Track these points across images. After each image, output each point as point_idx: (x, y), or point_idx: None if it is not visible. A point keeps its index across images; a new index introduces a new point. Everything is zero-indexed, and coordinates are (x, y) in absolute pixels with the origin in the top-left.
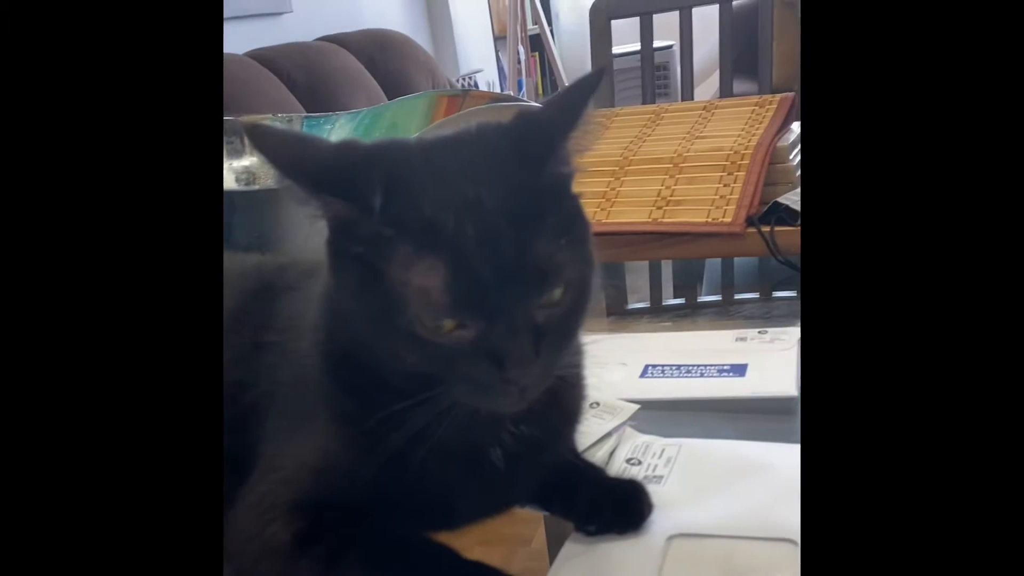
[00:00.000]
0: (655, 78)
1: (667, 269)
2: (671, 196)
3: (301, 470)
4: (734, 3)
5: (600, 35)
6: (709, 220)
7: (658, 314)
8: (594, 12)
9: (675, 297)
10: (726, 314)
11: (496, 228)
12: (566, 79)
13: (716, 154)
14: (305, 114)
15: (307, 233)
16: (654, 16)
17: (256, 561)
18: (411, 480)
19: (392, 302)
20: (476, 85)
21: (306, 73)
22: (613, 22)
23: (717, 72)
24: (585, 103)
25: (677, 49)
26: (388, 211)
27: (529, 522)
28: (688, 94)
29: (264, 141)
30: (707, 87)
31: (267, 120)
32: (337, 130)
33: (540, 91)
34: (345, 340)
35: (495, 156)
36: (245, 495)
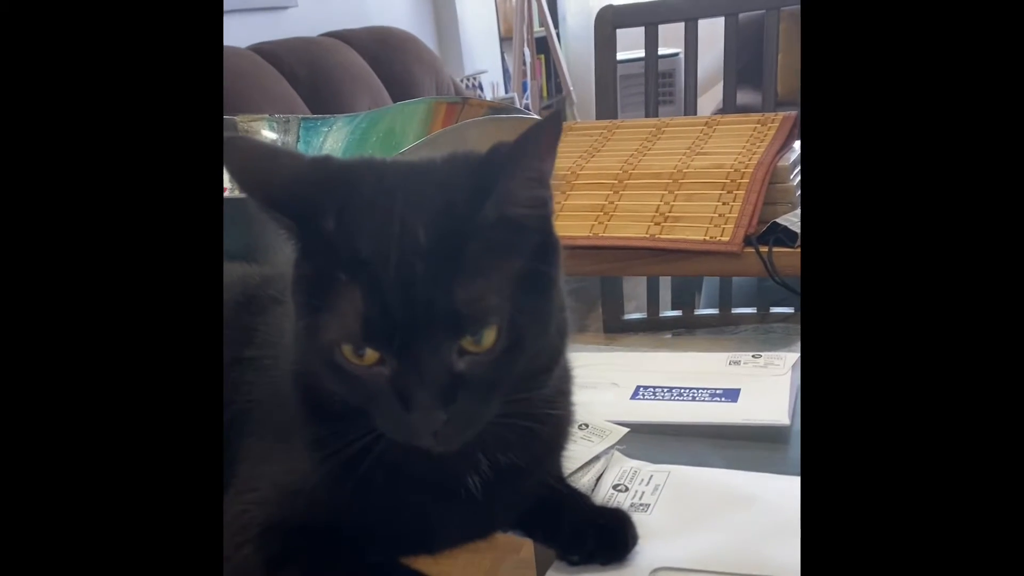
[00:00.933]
0: (659, 85)
1: (665, 281)
2: (669, 212)
3: (274, 491)
4: (740, 16)
5: (605, 44)
6: (707, 238)
7: (655, 327)
8: (599, 21)
9: (673, 309)
10: (722, 331)
11: (413, 266)
12: (571, 83)
13: (716, 171)
14: (302, 116)
15: None
16: (660, 24)
17: None
18: (385, 506)
19: (320, 324)
20: (481, 86)
21: (309, 69)
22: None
23: (722, 82)
24: (535, 147)
25: (683, 57)
26: (336, 236)
27: None
28: (691, 105)
29: (231, 155)
30: (712, 96)
31: (263, 122)
32: (334, 133)
33: (545, 94)
34: (301, 361)
35: (446, 189)
36: None
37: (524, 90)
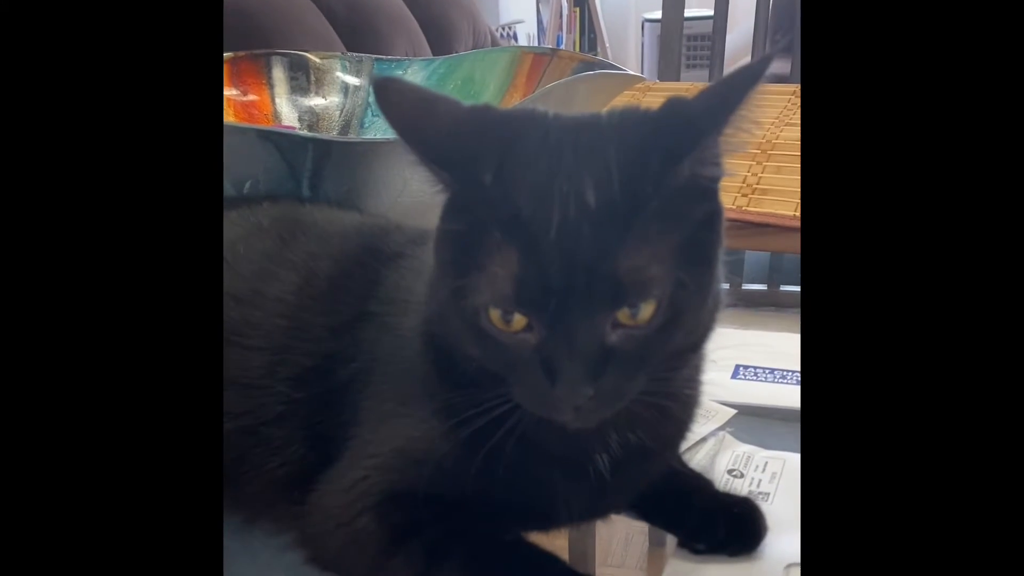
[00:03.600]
0: (691, 48)
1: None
2: (757, 184)
3: (398, 458)
4: None
5: (673, 7)
6: (796, 214)
7: (739, 301)
8: None
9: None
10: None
11: (579, 229)
12: (607, 38)
13: None
14: (375, 56)
15: (399, 191)
16: None
17: (342, 550)
18: (512, 480)
19: (469, 286)
20: (516, 37)
21: (347, 7)
22: None
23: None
24: (744, 97)
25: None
26: (493, 191)
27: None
28: (719, 72)
29: (388, 98)
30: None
31: (336, 60)
32: (409, 76)
33: (577, 49)
34: (436, 321)
35: (621, 147)
36: (334, 478)
37: (558, 44)
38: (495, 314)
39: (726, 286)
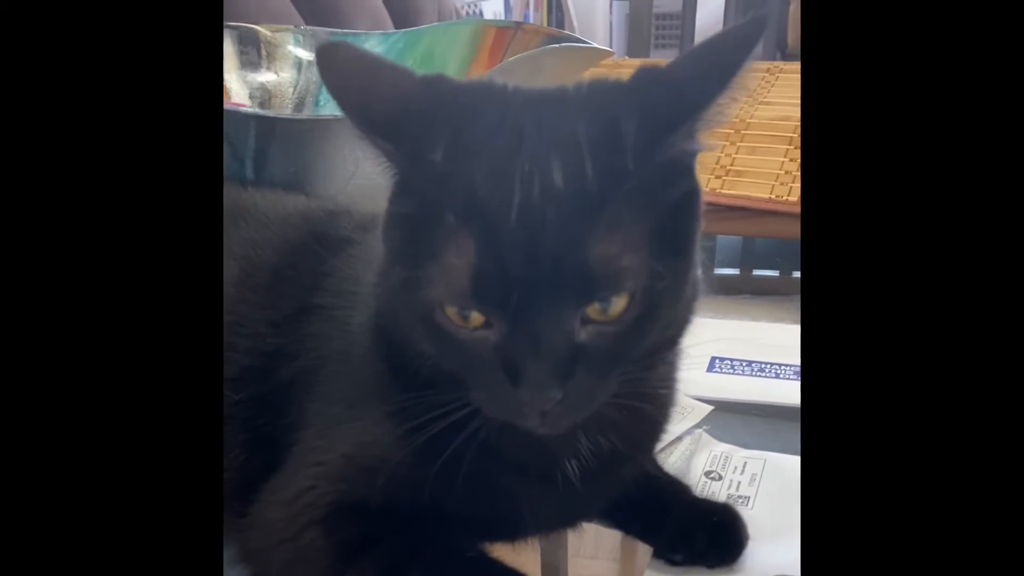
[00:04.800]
0: (659, 28)
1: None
2: (731, 165)
3: (347, 466)
4: None
5: None
6: (772, 196)
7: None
8: None
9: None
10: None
11: (542, 213)
12: (575, 17)
13: (783, 124)
14: (331, 30)
15: (351, 173)
16: None
17: (287, 567)
18: (473, 489)
19: (422, 276)
20: (482, 14)
21: None
22: None
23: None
24: (741, 63)
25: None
26: (445, 169)
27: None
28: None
29: (332, 64)
30: None
31: (288, 33)
32: None
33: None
34: (386, 314)
35: (593, 123)
36: (277, 488)
37: (525, 21)
38: (451, 309)
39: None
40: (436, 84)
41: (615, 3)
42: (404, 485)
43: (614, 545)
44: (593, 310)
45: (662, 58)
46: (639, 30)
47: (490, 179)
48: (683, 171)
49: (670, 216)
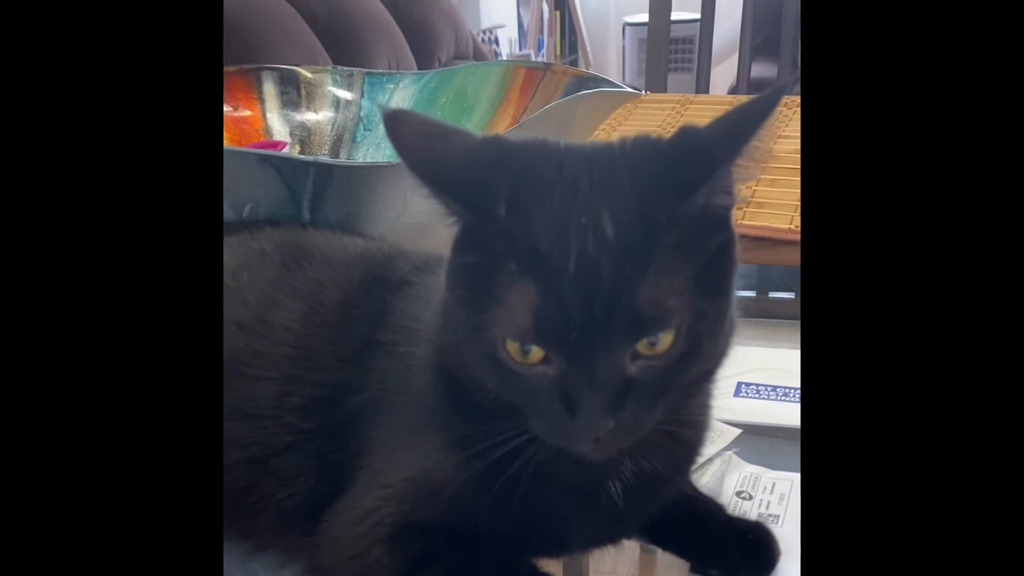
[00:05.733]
0: (674, 52)
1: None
2: (752, 197)
3: (410, 488)
4: None
5: (659, 13)
6: (792, 227)
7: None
8: None
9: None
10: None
11: (598, 261)
12: (588, 41)
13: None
14: (366, 71)
15: (399, 212)
16: None
17: None
18: (526, 509)
19: (486, 319)
20: (497, 41)
21: (329, 12)
22: None
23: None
24: (759, 126)
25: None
26: (508, 223)
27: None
28: (705, 75)
29: (400, 130)
30: (727, 66)
31: (327, 74)
32: (400, 90)
33: (558, 52)
34: (449, 352)
35: (636, 177)
36: (345, 508)
37: (540, 47)
38: (512, 346)
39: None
40: (495, 144)
41: (627, 28)
42: (464, 506)
43: (632, 560)
44: (643, 346)
45: (675, 83)
46: (657, 56)
47: (550, 231)
48: (720, 222)
49: (710, 261)
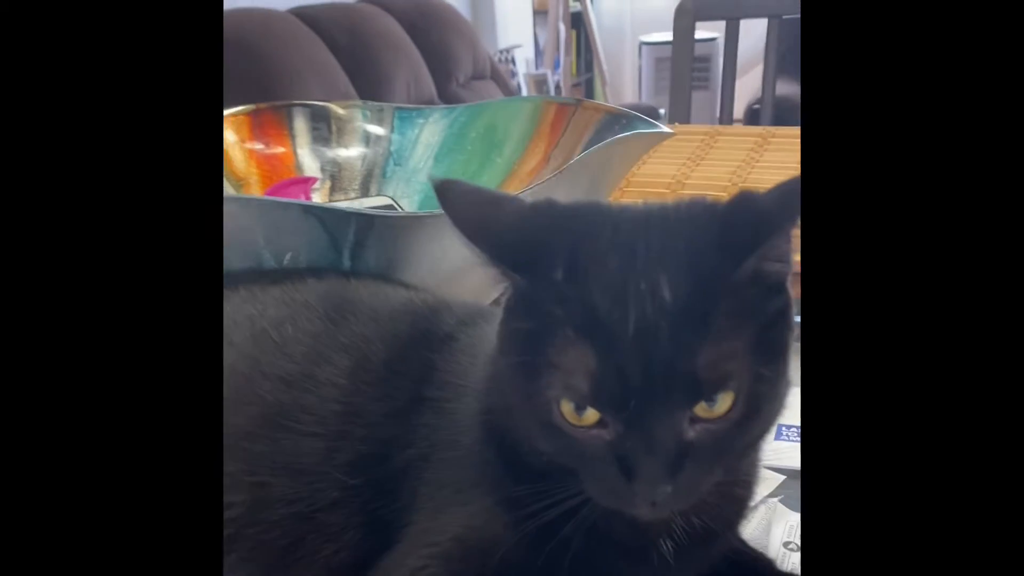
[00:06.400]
0: (694, 70)
1: None
2: None
3: (458, 547)
4: None
5: (683, 35)
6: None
7: None
8: (680, 13)
9: None
10: None
11: (657, 326)
12: (604, 60)
13: None
14: (396, 105)
15: (439, 259)
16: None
17: None
18: (577, 568)
19: (541, 383)
20: (514, 61)
21: (349, 35)
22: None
23: (759, 66)
24: (797, 206)
25: (720, 42)
26: (565, 288)
27: None
28: (729, 96)
29: (452, 200)
30: (747, 82)
31: (356, 109)
32: (430, 125)
33: (574, 71)
34: (500, 413)
35: (692, 242)
36: (392, 566)
37: (556, 67)
38: (568, 408)
39: None
40: (547, 209)
41: (643, 47)
42: (514, 567)
43: None
44: (701, 409)
45: (697, 101)
46: (680, 79)
47: (607, 297)
48: (777, 287)
49: (767, 324)
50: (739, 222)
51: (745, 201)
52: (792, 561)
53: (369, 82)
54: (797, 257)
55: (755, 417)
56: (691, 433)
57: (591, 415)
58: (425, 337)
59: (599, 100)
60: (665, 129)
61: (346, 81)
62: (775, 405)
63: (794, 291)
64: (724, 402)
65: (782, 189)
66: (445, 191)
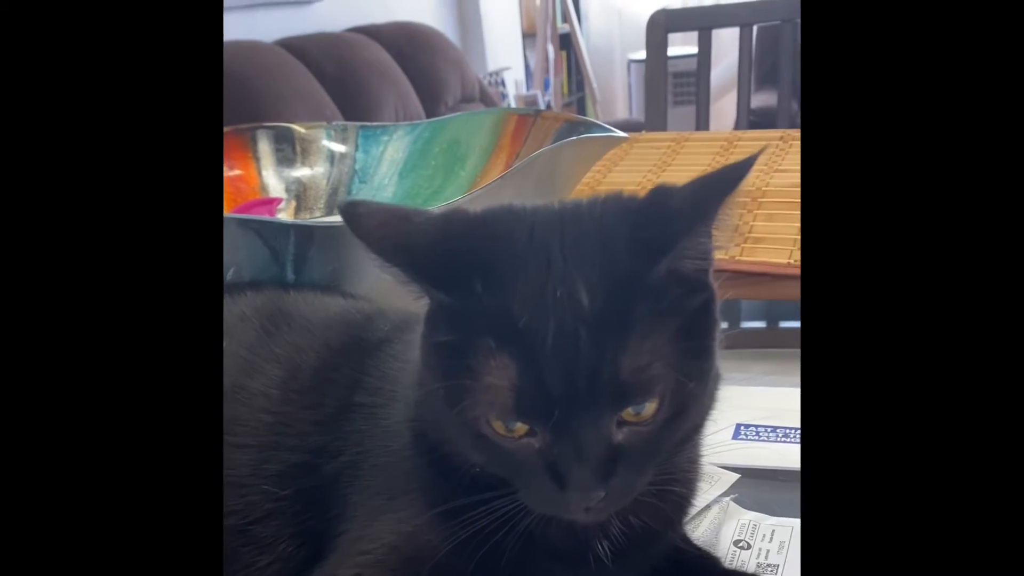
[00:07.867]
0: (677, 86)
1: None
2: (749, 232)
3: (391, 555)
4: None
5: (656, 48)
6: (791, 261)
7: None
8: (652, 25)
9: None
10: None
11: (577, 334)
12: (594, 79)
13: (797, 190)
14: (360, 124)
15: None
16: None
17: None
18: (510, 573)
19: (466, 396)
20: (504, 83)
21: (336, 64)
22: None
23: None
24: (727, 195)
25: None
26: (484, 299)
27: None
28: (704, 109)
29: (360, 221)
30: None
31: (320, 130)
32: (394, 142)
33: (565, 91)
34: (430, 424)
35: (607, 244)
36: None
37: (546, 87)
38: (497, 423)
39: (724, 324)
40: (456, 219)
41: (632, 65)
42: (447, 573)
43: None
44: (627, 413)
45: (679, 116)
46: (655, 91)
47: (525, 306)
48: (698, 284)
49: (691, 323)
50: (653, 221)
51: (660, 197)
52: (740, 559)
53: (357, 109)
54: (722, 254)
55: (683, 416)
56: (619, 436)
57: (520, 426)
58: (358, 344)
59: (591, 118)
60: (617, 133)
61: (334, 109)
62: (704, 402)
63: (718, 288)
64: (650, 405)
65: (696, 185)
66: (351, 214)
